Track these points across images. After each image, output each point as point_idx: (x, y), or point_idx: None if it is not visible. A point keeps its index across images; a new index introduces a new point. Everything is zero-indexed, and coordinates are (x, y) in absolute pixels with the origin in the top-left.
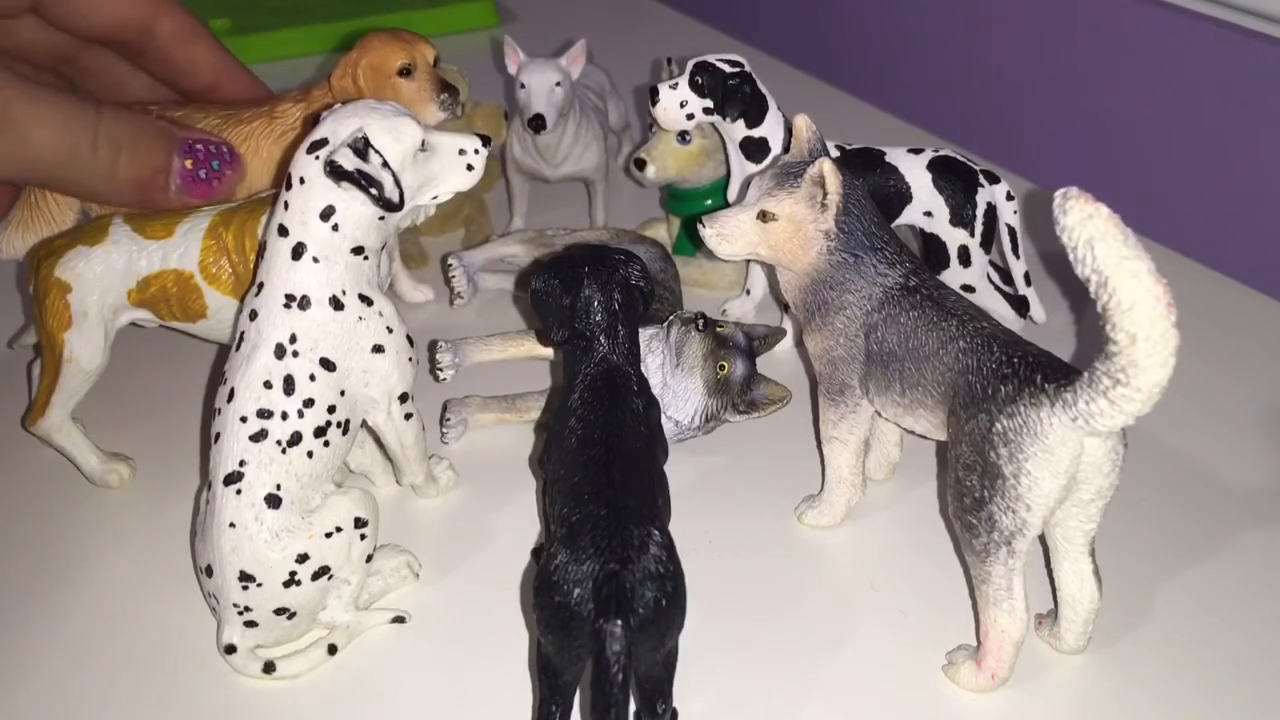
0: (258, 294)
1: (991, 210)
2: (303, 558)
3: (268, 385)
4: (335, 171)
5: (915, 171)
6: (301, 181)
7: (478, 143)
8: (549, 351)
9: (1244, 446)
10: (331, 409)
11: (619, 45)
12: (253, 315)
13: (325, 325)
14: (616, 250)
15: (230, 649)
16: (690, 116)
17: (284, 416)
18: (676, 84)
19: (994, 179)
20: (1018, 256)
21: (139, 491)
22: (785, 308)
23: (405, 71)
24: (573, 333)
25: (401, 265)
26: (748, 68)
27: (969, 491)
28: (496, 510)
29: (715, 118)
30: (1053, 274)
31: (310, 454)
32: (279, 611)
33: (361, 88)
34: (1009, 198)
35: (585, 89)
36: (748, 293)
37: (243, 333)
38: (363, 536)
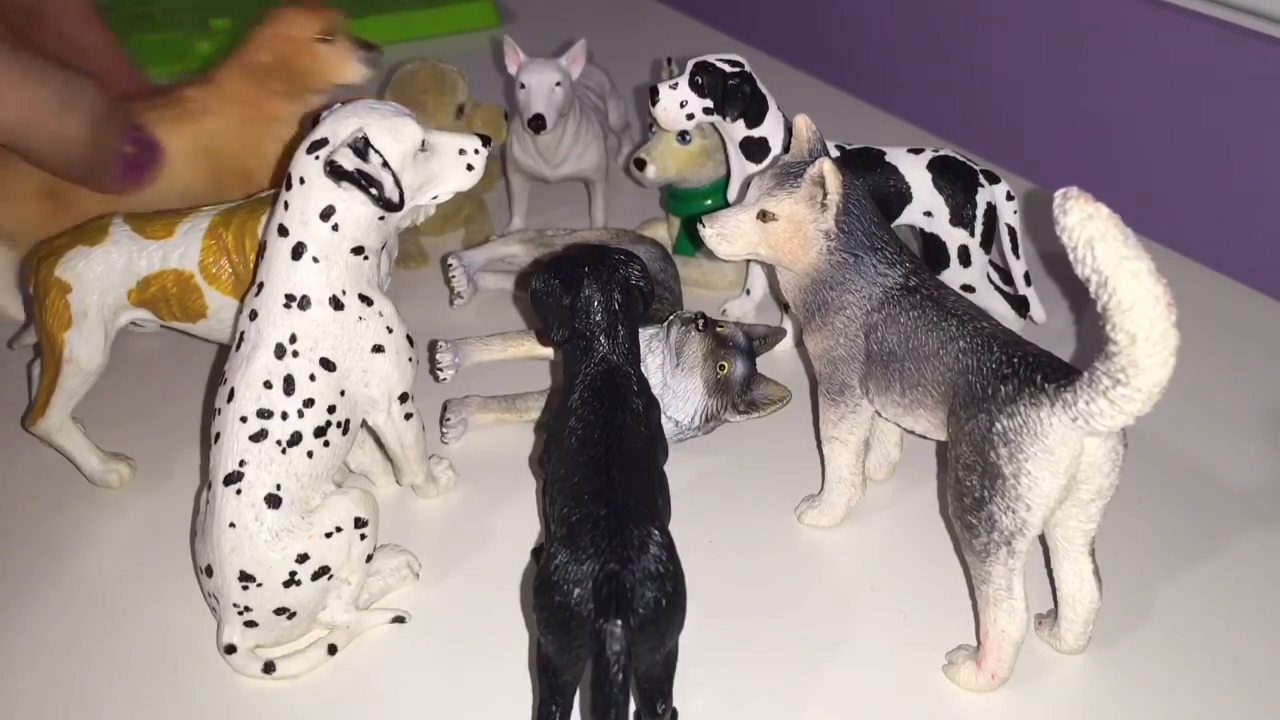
0: (258, 294)
1: (991, 210)
2: (303, 558)
3: (268, 385)
4: (335, 171)
5: (915, 171)
6: (301, 181)
7: (478, 143)
8: (549, 351)
9: (1244, 446)
10: (331, 409)
11: (619, 45)
12: (253, 315)
13: (325, 325)
14: (616, 250)
15: (230, 649)
16: (690, 116)
17: (284, 416)
18: (676, 84)
19: (994, 179)
20: (1018, 256)
21: (139, 491)
22: (785, 308)
23: (324, 38)
24: (573, 333)
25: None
26: (748, 68)
27: (969, 491)
28: (496, 510)
29: (715, 118)
30: (1053, 274)
31: (310, 454)
32: (279, 611)
33: (280, 60)
34: (1009, 198)
35: (585, 89)
36: (748, 293)
37: (243, 333)
38: (363, 536)
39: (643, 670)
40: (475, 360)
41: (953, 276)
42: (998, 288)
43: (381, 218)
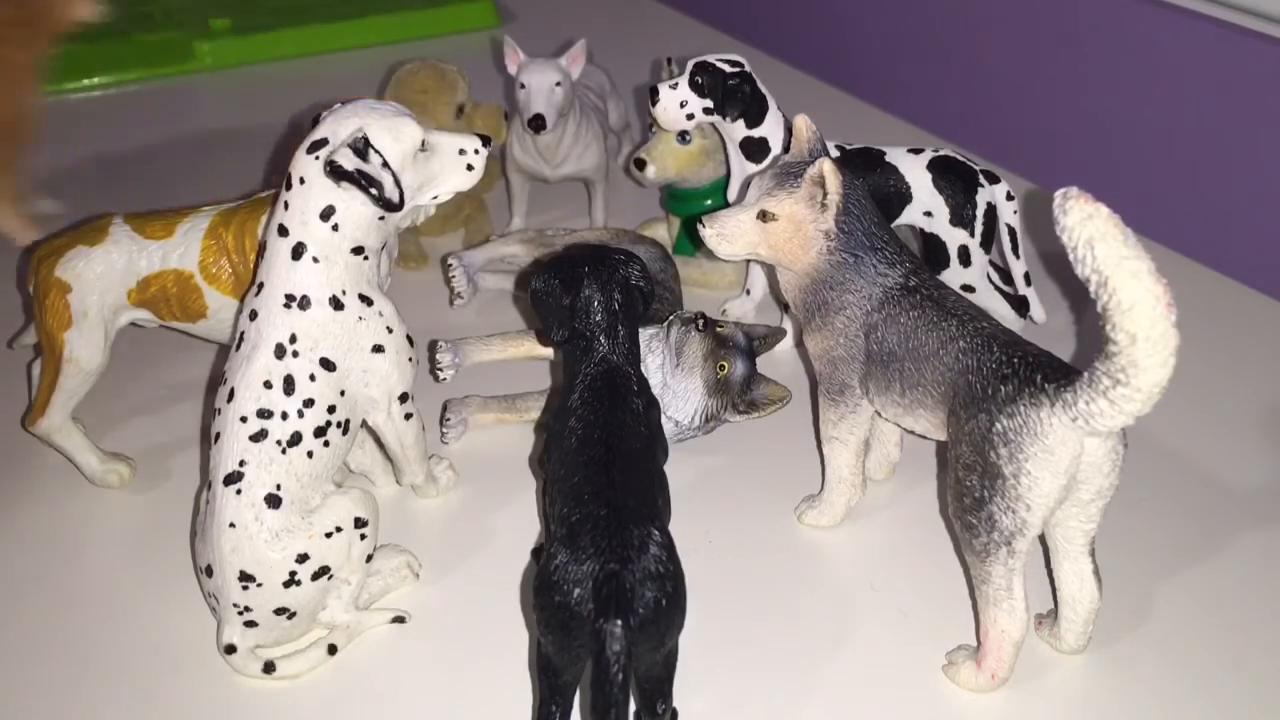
0: (258, 294)
1: (991, 210)
2: (303, 558)
3: (268, 385)
4: (335, 171)
5: (915, 171)
6: (301, 181)
7: (478, 143)
8: (549, 351)
9: (1244, 446)
10: (331, 409)
11: (619, 45)
12: (253, 315)
13: (325, 325)
14: (616, 250)
15: (230, 649)
16: (690, 116)
17: (284, 416)
18: (676, 84)
19: (994, 179)
20: (1018, 256)
21: (139, 491)
22: (785, 308)
23: None
24: (573, 333)
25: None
26: (748, 68)
27: (969, 491)
28: (496, 510)
29: (715, 118)
30: (1053, 274)
31: (310, 454)
32: (279, 611)
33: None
34: (1009, 198)
35: (585, 89)
36: (748, 293)
37: (243, 333)
38: (363, 536)
39: (643, 670)
40: (475, 360)
41: (953, 276)
42: (998, 288)
43: (381, 218)
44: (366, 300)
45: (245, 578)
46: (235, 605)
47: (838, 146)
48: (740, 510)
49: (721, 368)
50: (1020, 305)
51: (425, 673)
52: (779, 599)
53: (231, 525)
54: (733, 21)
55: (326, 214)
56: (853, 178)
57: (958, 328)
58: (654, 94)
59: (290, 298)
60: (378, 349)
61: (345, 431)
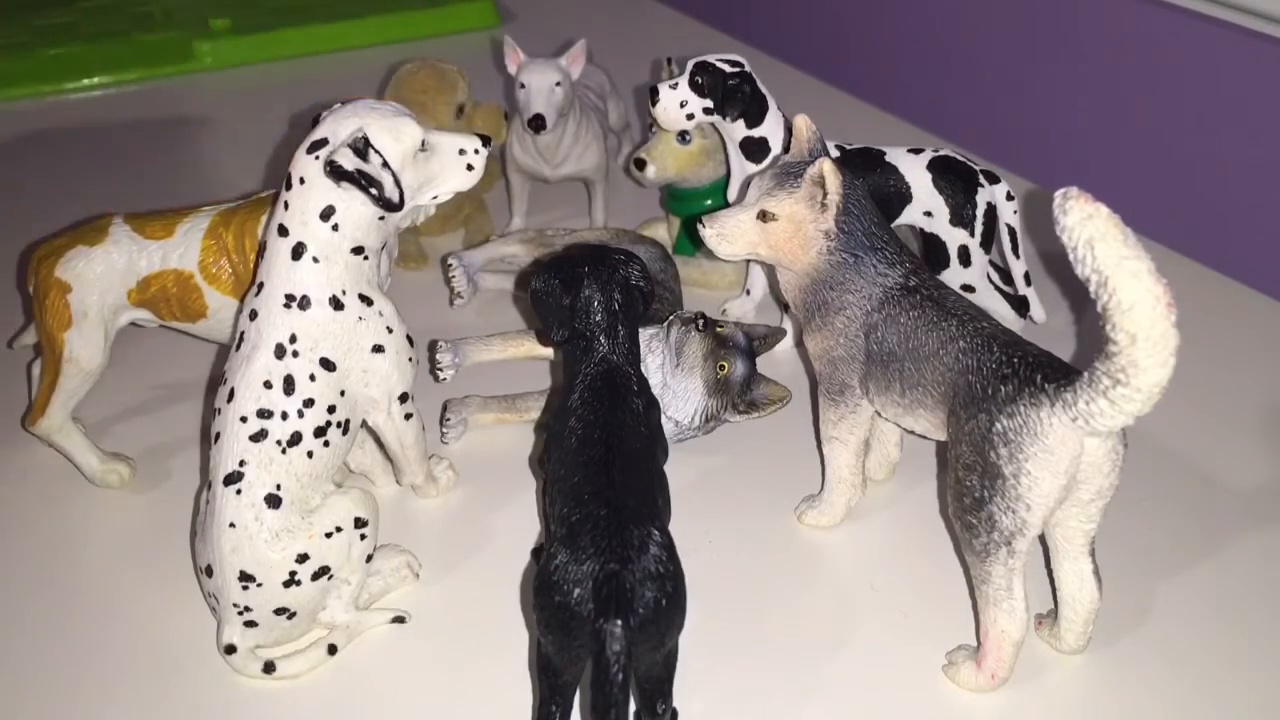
0: (258, 294)
1: (991, 210)
2: (303, 558)
3: (268, 385)
4: (335, 171)
5: (915, 171)
6: (301, 181)
7: (478, 143)
8: (549, 351)
9: (1244, 446)
10: (331, 409)
11: (619, 45)
12: (253, 315)
13: (325, 325)
14: (616, 250)
15: (230, 649)
16: (690, 116)
17: (284, 416)
18: (676, 84)
19: (994, 179)
20: (1018, 256)
21: (139, 491)
22: (785, 308)
23: None
24: (573, 333)
25: None
26: (748, 68)
27: (969, 491)
28: (496, 510)
29: (715, 118)
30: (1053, 274)
31: (310, 454)
32: (279, 611)
33: None
34: (1009, 198)
35: (585, 89)
36: (748, 293)
37: (243, 333)
38: (363, 536)
39: (643, 670)
40: (475, 360)
41: (953, 276)
42: (998, 288)
43: (381, 218)
44: (366, 300)
45: (245, 578)
46: (235, 605)
47: (838, 146)
48: (740, 510)
49: (721, 368)
50: (1020, 305)
51: (425, 673)
52: (779, 599)
53: (231, 525)
54: (733, 21)
55: (326, 214)
56: (853, 178)
57: (958, 328)
58: (654, 94)
59: (290, 298)
60: (378, 349)
61: (345, 431)
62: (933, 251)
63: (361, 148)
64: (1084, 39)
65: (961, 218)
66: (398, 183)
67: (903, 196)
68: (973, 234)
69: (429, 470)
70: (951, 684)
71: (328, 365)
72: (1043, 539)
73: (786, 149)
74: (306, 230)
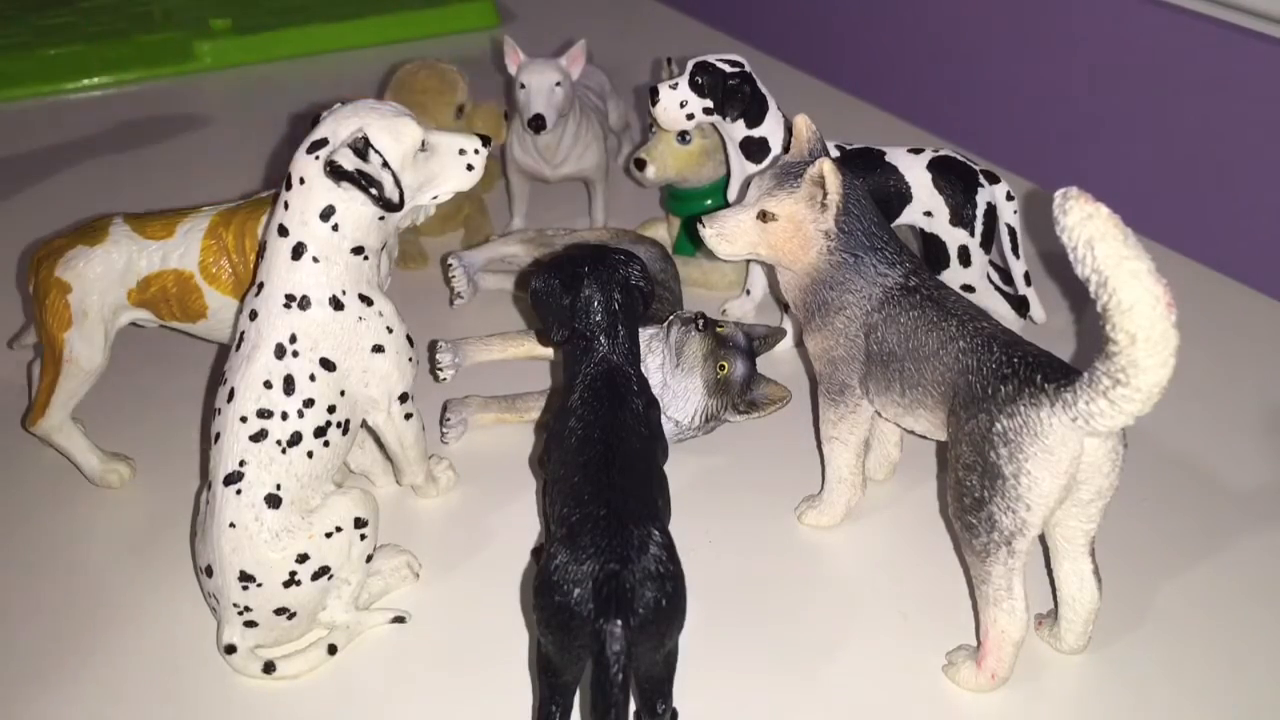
0: (258, 294)
1: (991, 210)
2: (303, 558)
3: (268, 385)
4: (335, 171)
5: (915, 171)
6: (301, 181)
7: (478, 143)
8: (549, 351)
9: (1244, 446)
10: (331, 409)
11: (619, 45)
12: (253, 315)
13: (325, 325)
14: (616, 250)
15: (230, 649)
16: (690, 116)
17: (284, 416)
18: (676, 84)
19: (994, 179)
20: (1018, 256)
21: (139, 491)
22: (785, 308)
23: None
24: (573, 333)
25: None
26: (748, 68)
27: (969, 491)
28: (496, 510)
29: (715, 118)
30: (1053, 274)
31: (310, 454)
32: (279, 611)
33: None
34: (1009, 198)
35: (585, 89)
36: (748, 293)
37: (243, 333)
38: (363, 536)
39: (643, 670)
40: (475, 360)
41: (953, 276)
42: (998, 288)
43: (381, 218)
44: (366, 300)
45: (245, 578)
46: (235, 605)
47: (838, 146)
48: (740, 510)
49: (721, 368)
50: (1020, 305)
51: (425, 673)
52: (779, 599)
53: (231, 525)
54: (733, 21)
55: (326, 214)
56: (853, 178)
57: (958, 328)
58: (654, 94)
59: (290, 298)
60: (378, 349)
61: (345, 431)
62: (933, 251)
63: (361, 148)
64: (1084, 39)
65: (961, 218)
66: (398, 183)
67: (903, 196)
68: (973, 234)
69: (429, 470)
70: (951, 684)
71: (328, 365)
72: (1043, 539)
73: (786, 149)
74: (306, 230)
